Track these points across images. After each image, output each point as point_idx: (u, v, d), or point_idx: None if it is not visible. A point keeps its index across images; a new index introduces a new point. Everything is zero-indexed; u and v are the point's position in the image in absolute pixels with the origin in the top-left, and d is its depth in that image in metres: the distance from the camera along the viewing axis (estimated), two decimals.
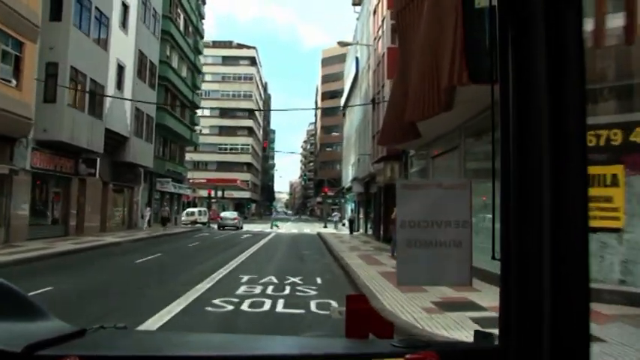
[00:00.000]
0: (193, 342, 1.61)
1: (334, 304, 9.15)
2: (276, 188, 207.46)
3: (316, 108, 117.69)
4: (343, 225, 52.82)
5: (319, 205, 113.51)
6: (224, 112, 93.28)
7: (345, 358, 1.23)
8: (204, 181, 68.63)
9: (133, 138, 29.92)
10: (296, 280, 12.45)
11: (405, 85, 11.50)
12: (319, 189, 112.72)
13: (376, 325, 1.35)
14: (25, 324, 1.29)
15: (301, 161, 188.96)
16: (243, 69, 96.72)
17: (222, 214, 49.66)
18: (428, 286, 9.29)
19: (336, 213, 38.12)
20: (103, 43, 24.86)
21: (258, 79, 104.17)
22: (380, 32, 26.39)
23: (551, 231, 0.94)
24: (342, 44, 29.01)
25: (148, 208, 32.34)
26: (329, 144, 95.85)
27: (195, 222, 49.95)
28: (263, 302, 9.40)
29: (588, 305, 0.94)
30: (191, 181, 67.17)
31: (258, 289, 10.92)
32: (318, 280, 12.52)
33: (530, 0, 0.99)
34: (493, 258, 1.12)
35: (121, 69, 28.23)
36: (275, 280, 12.25)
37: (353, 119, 41.98)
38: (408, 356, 1.09)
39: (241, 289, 10.87)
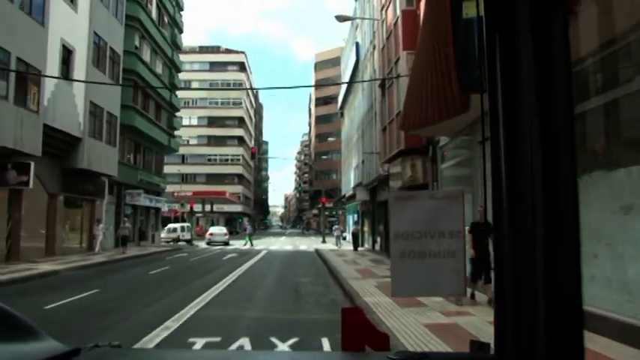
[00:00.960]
0: (188, 359, 1.64)
1: None
2: (271, 202, 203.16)
3: (310, 113, 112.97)
4: (344, 239, 47.37)
5: (315, 218, 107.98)
6: (213, 121, 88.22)
7: None
8: (191, 194, 62.87)
9: (89, 139, 24.39)
10: (286, 347, 7.01)
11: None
12: (315, 200, 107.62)
13: (372, 338, 1.34)
14: (19, 345, 1.25)
15: (295, 173, 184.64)
16: (232, 75, 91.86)
17: (212, 230, 44.40)
18: None
19: (337, 226, 32.45)
20: (38, 15, 19.46)
21: (247, 85, 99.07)
22: None
23: (545, 240, 0.94)
24: (341, 18, 23.71)
25: (101, 225, 26.53)
26: (324, 152, 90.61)
27: (177, 239, 44.41)
28: None
29: (582, 315, 0.94)
30: (176, 194, 61.67)
31: None
32: (326, 345, 7.06)
33: (516, 10, 0.99)
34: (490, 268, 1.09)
35: (68, 53, 22.80)
36: (249, 348, 6.81)
37: (353, 117, 36.75)
38: None
39: None
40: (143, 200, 35.34)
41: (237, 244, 40.25)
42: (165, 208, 41.72)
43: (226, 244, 40.65)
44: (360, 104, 32.31)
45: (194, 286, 13.66)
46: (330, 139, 61.66)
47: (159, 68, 38.02)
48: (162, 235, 44.61)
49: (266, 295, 13.01)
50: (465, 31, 1.27)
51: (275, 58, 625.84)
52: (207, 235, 43.14)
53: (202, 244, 41.12)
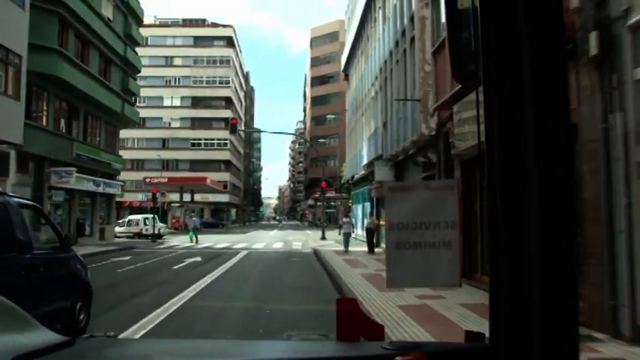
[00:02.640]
0: (183, 349, 1.59)
1: None
2: (264, 194, 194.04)
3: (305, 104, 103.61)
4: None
5: (311, 209, 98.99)
6: (197, 102, 79.24)
7: None
8: (165, 180, 53.64)
9: None
10: None
11: None
12: (310, 190, 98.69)
13: (367, 328, 1.34)
14: (14, 335, 1.26)
15: (290, 163, 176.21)
16: (219, 51, 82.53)
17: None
18: None
19: (346, 219, 22.45)
20: None
21: (237, 64, 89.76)
22: None
23: (540, 231, 0.95)
24: None
25: None
26: (321, 136, 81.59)
27: (139, 234, 35.44)
28: None
29: (577, 305, 0.95)
30: (148, 180, 52.56)
31: None
32: None
33: (511, 0, 0.98)
34: (482, 259, 1.37)
35: None
36: None
37: (365, 72, 27.74)
38: (398, 358, 1.09)
39: None
40: (85, 184, 26.28)
41: (213, 240, 31.29)
42: (118, 192, 32.35)
43: (158, 236, 33.17)
44: (379, 46, 23.26)
45: None
46: (328, 116, 52.44)
47: (107, 10, 28.75)
48: (120, 229, 35.60)
49: None
50: (459, 22, 1.22)
51: (268, 49, 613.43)
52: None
53: (174, 241, 32.11)
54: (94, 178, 27.83)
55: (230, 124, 31.69)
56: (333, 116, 51.84)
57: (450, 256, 1.33)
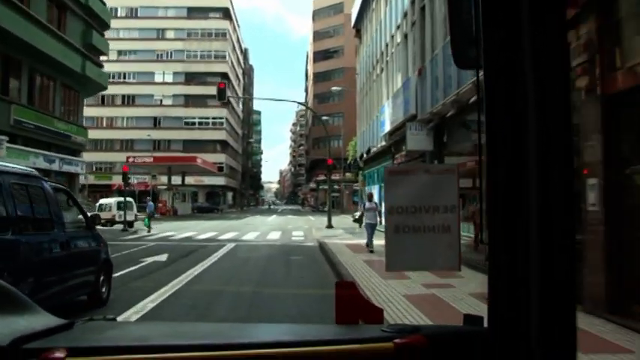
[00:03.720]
0: (183, 331, 1.60)
1: None
2: (265, 178, 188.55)
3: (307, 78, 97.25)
4: (357, 222, 32.76)
5: (312, 193, 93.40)
6: (191, 78, 73.63)
7: (334, 344, 1.22)
8: (151, 160, 47.98)
9: None
10: None
11: None
12: (312, 173, 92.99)
13: (366, 311, 1.35)
14: (13, 318, 1.26)
15: (291, 146, 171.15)
16: (215, 23, 76.57)
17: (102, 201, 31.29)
18: None
19: (369, 203, 15.08)
20: None
21: (234, 38, 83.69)
22: None
23: (539, 215, 0.96)
24: None
25: None
26: (324, 115, 75.70)
27: (112, 221, 29.94)
28: None
29: (574, 290, 0.97)
30: (132, 160, 47.00)
31: None
32: None
33: None
34: (481, 242, 1.64)
35: None
36: None
37: (386, 17, 21.84)
38: (396, 340, 1.10)
39: None
40: (31, 159, 20.69)
41: (198, 229, 25.86)
42: (81, 171, 26.75)
43: (129, 224, 27.02)
44: None
45: None
46: (333, 88, 46.62)
47: None
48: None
49: None
50: (460, 6, 1.21)
51: (269, 35, 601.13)
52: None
53: (153, 229, 26.66)
54: (45, 152, 22.27)
55: (218, 90, 25.94)
56: (339, 88, 46.07)
57: (449, 240, 1.33)
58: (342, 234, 23.03)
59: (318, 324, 3.90)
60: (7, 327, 1.18)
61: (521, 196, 0.97)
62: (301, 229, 29.19)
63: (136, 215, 31.08)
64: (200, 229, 27.48)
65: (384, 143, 21.21)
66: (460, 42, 1.26)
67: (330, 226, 27.64)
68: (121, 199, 30.92)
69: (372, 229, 14.37)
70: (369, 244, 14.48)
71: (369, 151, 24.40)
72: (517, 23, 0.96)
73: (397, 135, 18.08)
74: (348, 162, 42.75)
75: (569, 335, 0.96)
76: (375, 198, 16.53)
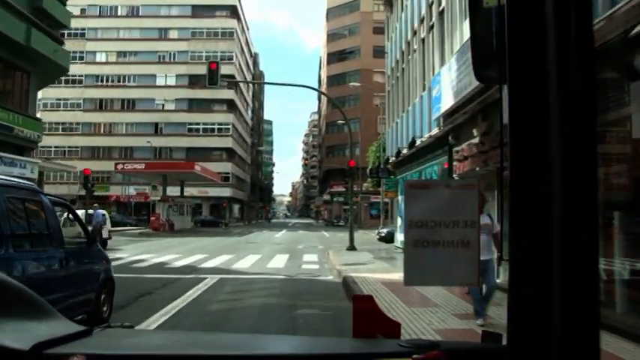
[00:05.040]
0: (200, 341, 1.59)
1: None
2: (277, 191, 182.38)
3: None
4: (383, 241, 26.01)
5: (326, 206, 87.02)
6: (195, 80, 67.97)
7: (352, 358, 1.22)
8: (142, 167, 41.87)
9: None
10: None
11: None
12: (325, 185, 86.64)
13: (383, 325, 1.34)
14: (34, 323, 1.28)
15: (303, 157, 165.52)
16: (221, 22, 71.27)
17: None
18: None
19: (489, 218, 7.75)
20: None
21: (242, 39, 78.13)
22: None
23: (561, 231, 0.94)
24: None
25: None
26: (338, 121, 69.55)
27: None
28: None
29: (598, 307, 0.94)
30: (121, 167, 41.06)
31: None
32: None
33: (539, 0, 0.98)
34: (503, 259, 1.16)
35: None
36: None
37: None
38: (415, 356, 1.09)
39: None
40: None
41: (175, 255, 19.74)
42: (30, 175, 20.57)
43: (103, 243, 20.07)
44: None
45: None
46: (345, 107, 40.42)
47: None
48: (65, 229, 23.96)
49: None
50: (483, 21, 1.22)
51: (282, 47, 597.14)
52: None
53: (127, 251, 20.54)
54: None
55: (208, 71, 19.92)
56: (356, 85, 40.00)
57: (468, 256, 1.32)
58: (370, 260, 16.73)
59: (336, 337, 3.34)
60: (29, 332, 1.20)
61: (545, 214, 0.94)
62: (314, 250, 22.87)
63: (109, 232, 24.95)
64: (186, 251, 21.38)
65: (435, 132, 14.78)
66: (481, 58, 1.25)
67: (352, 247, 21.25)
68: (95, 211, 24.76)
69: (488, 275, 7.23)
70: (479, 311, 6.97)
71: (413, 143, 17.89)
72: (543, 41, 0.95)
73: (461, 115, 11.72)
74: (370, 168, 36.37)
75: (591, 356, 0.93)
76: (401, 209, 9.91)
